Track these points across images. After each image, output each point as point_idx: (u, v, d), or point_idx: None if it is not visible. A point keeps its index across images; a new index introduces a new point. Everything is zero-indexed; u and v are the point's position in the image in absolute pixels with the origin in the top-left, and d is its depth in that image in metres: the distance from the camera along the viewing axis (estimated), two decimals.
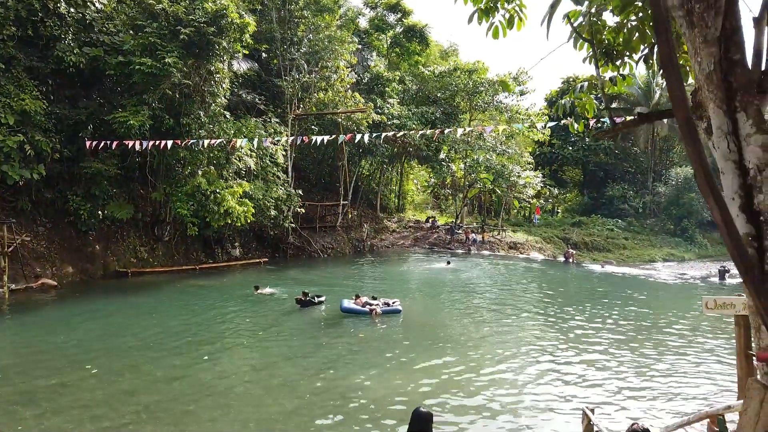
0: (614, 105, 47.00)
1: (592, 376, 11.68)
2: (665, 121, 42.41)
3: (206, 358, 12.68)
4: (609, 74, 5.23)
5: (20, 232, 21.14)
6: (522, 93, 45.17)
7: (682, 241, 45.94)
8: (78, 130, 22.96)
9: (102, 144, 20.28)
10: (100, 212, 23.20)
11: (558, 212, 55.97)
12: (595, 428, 5.34)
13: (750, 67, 2.42)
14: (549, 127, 36.96)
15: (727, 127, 2.38)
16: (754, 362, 2.44)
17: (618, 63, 4.97)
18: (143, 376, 11.20)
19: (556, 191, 53.42)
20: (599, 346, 14.28)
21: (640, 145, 52.57)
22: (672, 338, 15.30)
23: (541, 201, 51.61)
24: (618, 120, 5.53)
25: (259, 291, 20.60)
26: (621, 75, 5.01)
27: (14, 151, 19.60)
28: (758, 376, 2.49)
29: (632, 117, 3.66)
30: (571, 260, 35.81)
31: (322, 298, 18.66)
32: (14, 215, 21.18)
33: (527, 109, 44.73)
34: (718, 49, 2.38)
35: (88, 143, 20.68)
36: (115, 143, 20.37)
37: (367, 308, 17.12)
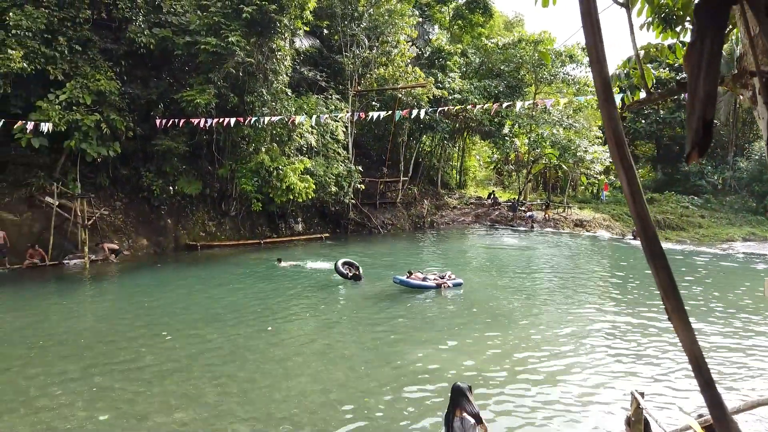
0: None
1: (647, 359, 11.24)
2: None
3: (269, 328, 13.17)
4: (669, 41, 4.91)
5: (99, 206, 22.53)
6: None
7: (765, 219, 42.95)
8: (150, 109, 24.04)
9: (170, 122, 21.16)
10: (171, 188, 24.34)
11: None
12: (644, 413, 5.19)
13: None
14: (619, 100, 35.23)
15: None
16: None
17: (678, 29, 4.65)
18: (208, 344, 11.79)
19: None
20: (658, 328, 13.70)
21: (721, 118, 49.17)
22: (737, 322, 14.45)
23: (610, 177, 49.55)
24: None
25: (282, 264, 21.04)
26: (681, 42, 4.68)
27: (92, 130, 20.80)
28: None
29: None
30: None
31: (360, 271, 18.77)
32: (93, 190, 22.59)
33: None
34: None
35: (157, 121, 21.64)
36: (182, 121, 21.20)
37: (433, 282, 17.14)
